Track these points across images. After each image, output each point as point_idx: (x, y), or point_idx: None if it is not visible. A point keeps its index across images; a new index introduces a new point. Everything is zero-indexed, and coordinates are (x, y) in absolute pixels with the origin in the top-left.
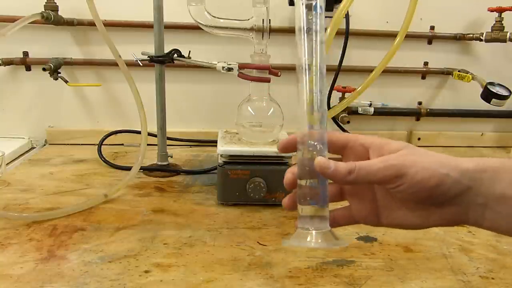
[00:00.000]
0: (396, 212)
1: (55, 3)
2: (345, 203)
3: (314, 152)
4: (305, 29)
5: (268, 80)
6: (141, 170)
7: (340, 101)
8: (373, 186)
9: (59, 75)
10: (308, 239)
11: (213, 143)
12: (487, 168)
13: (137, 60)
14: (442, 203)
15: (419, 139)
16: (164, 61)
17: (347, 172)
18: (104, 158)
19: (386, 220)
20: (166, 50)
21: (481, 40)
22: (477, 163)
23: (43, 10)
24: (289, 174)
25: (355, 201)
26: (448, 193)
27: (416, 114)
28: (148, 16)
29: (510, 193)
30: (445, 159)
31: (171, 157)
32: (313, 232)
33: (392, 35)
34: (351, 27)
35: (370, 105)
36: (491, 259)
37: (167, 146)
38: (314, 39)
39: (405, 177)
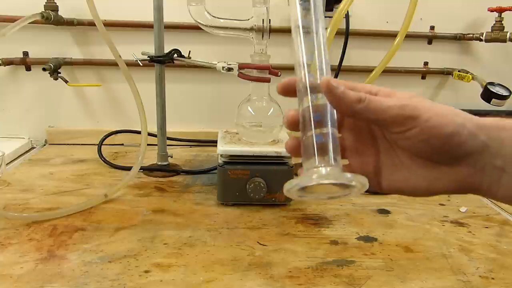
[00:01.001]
0: (399, 171)
1: (55, 3)
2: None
3: (319, 96)
4: (300, 26)
5: (268, 80)
6: (141, 170)
7: None
8: (377, 140)
9: (59, 75)
10: (316, 175)
11: (213, 143)
12: (506, 125)
13: (137, 60)
14: (455, 159)
15: None
16: (164, 61)
17: (357, 100)
18: (104, 158)
19: (386, 182)
20: (166, 50)
21: (481, 40)
22: (494, 120)
23: (43, 10)
24: (293, 111)
25: (356, 157)
26: (464, 146)
27: None
28: (148, 16)
29: None
30: (461, 111)
31: (171, 157)
32: (322, 168)
33: (392, 35)
34: (351, 27)
35: None
36: (491, 259)
37: (167, 146)
38: (313, 36)
39: (418, 120)
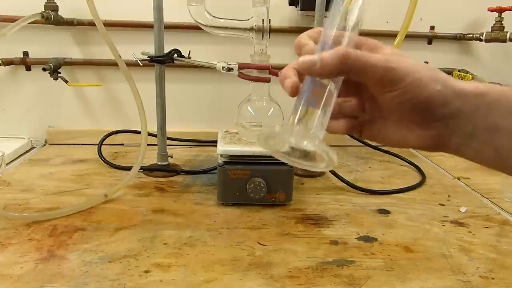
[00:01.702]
0: (377, 122)
1: (55, 3)
2: None
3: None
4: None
5: (268, 80)
6: (141, 170)
7: None
8: (363, 92)
9: (59, 75)
10: (286, 134)
11: (213, 143)
12: (487, 92)
13: (137, 60)
14: (427, 121)
15: None
16: (164, 61)
17: (339, 60)
18: (104, 158)
19: (366, 131)
20: (166, 50)
21: (481, 40)
22: (476, 86)
23: (43, 10)
24: (292, 77)
25: (347, 103)
26: (436, 111)
27: None
28: (148, 16)
29: (505, 124)
30: (441, 76)
31: (171, 157)
32: (296, 128)
33: (392, 35)
34: None
35: None
36: (491, 259)
37: (167, 146)
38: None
39: (398, 85)
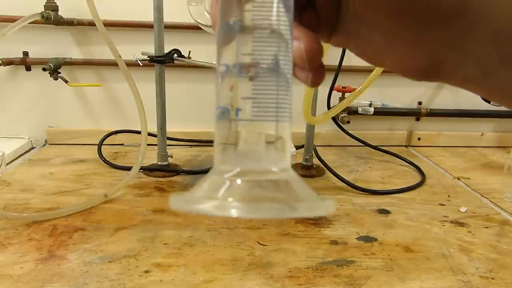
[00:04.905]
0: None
1: (55, 3)
2: None
3: None
4: None
5: None
6: (141, 170)
7: (340, 101)
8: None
9: (59, 75)
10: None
11: (213, 143)
12: None
13: (137, 60)
14: (423, 20)
15: (419, 139)
16: (164, 61)
17: None
18: (104, 158)
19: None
20: (166, 50)
21: None
22: None
23: (43, 10)
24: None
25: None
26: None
27: (416, 114)
28: (148, 16)
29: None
30: None
31: (171, 157)
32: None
33: None
34: None
35: (370, 105)
36: (491, 259)
37: (167, 146)
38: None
39: None
